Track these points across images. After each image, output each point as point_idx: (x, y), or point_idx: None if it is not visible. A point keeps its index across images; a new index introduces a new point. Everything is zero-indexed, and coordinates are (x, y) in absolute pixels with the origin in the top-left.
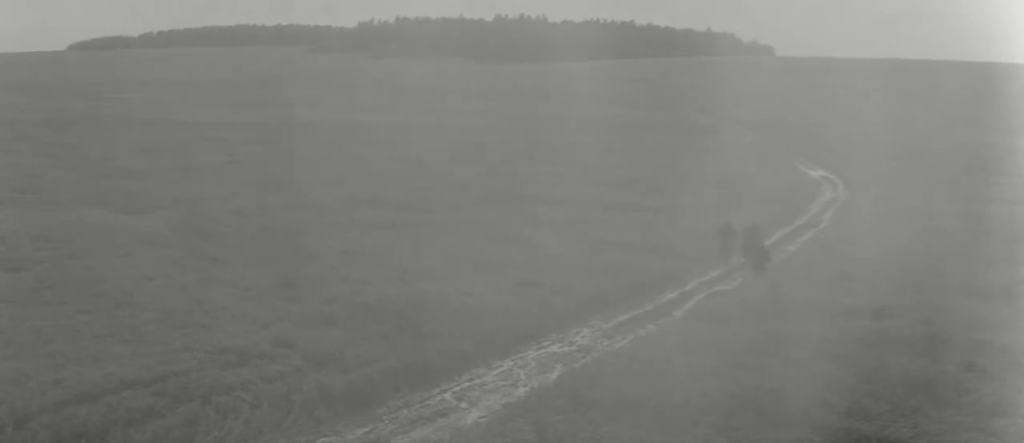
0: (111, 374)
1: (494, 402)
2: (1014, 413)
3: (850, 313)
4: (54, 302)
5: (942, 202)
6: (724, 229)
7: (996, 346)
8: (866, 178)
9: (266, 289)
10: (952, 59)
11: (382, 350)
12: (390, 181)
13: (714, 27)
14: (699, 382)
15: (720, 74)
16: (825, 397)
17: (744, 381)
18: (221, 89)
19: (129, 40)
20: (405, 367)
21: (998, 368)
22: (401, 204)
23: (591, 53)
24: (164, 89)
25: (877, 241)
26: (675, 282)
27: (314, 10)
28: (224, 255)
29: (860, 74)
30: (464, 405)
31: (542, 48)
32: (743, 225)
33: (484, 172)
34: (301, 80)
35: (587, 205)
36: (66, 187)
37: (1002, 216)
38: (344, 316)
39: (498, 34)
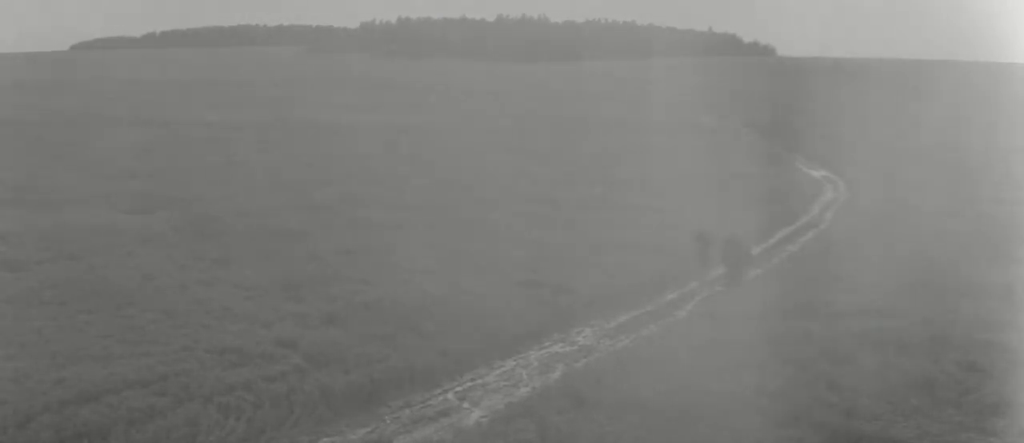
0: (113, 374)
1: (496, 402)
2: (1015, 412)
3: (851, 313)
4: (56, 302)
5: (943, 202)
6: (699, 237)
7: (997, 346)
8: (867, 178)
9: (267, 289)
10: (952, 59)
11: (384, 350)
12: (392, 181)
13: (715, 27)
14: (701, 382)
15: (722, 74)
16: (827, 397)
17: (746, 381)
18: (223, 89)
19: (131, 40)
20: (407, 367)
21: (999, 368)
22: (402, 204)
23: (592, 53)
24: (166, 89)
25: (878, 241)
26: (676, 282)
27: (316, 10)
28: (225, 255)
29: (861, 75)
30: (466, 405)
31: (544, 48)
32: (723, 234)
33: (485, 172)
34: (303, 80)
35: (588, 205)
36: (68, 187)
37: (1002, 216)
38: (345, 316)
39: (500, 34)
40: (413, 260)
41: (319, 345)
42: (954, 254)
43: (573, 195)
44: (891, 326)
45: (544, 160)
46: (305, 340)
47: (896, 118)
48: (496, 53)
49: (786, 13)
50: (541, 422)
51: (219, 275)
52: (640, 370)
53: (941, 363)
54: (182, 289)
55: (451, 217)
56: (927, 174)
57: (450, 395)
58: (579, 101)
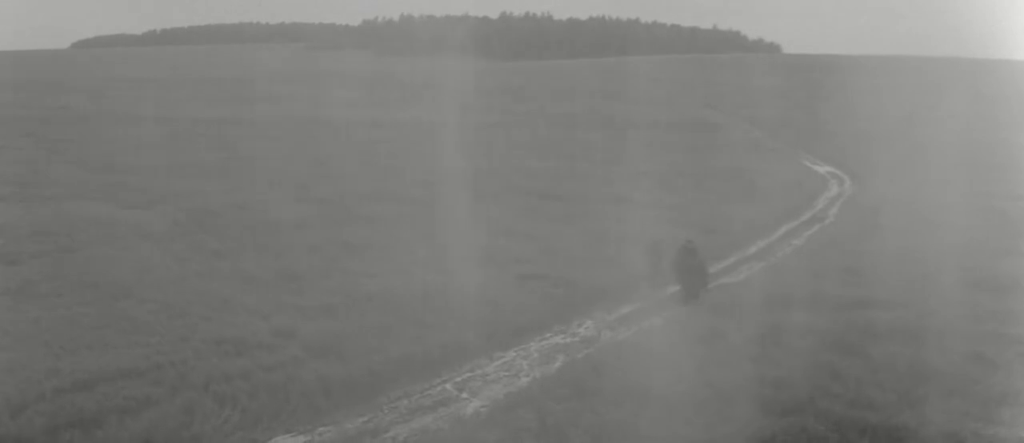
0: (108, 363)
1: (496, 392)
2: (1022, 403)
3: (856, 305)
4: (52, 294)
5: (950, 197)
6: (652, 248)
7: (1003, 337)
8: (873, 174)
9: (267, 281)
10: (957, 56)
11: (383, 341)
12: (393, 176)
13: (720, 25)
14: (703, 372)
15: (727, 71)
16: (830, 387)
17: (748, 371)
18: (224, 86)
19: (132, 38)
20: (406, 357)
21: (1005, 358)
22: (404, 199)
23: (596, 50)
24: (167, 86)
25: (883, 235)
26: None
27: (318, 8)
28: (224, 248)
29: (866, 71)
30: (465, 395)
31: (547, 46)
32: (680, 244)
33: (488, 168)
34: (305, 77)
35: (591, 200)
36: (67, 182)
37: (1008, 211)
38: (345, 307)
39: (503, 32)
40: (413, 253)
41: (318, 336)
42: (962, 248)
43: (575, 190)
44: (896, 317)
45: (546, 155)
46: (304, 331)
47: (903, 115)
48: (499, 50)
49: (791, 10)
50: (541, 411)
51: (217, 267)
52: (641, 360)
53: (948, 354)
54: (180, 281)
55: (452, 211)
56: (934, 170)
57: (449, 385)
58: (582, 98)
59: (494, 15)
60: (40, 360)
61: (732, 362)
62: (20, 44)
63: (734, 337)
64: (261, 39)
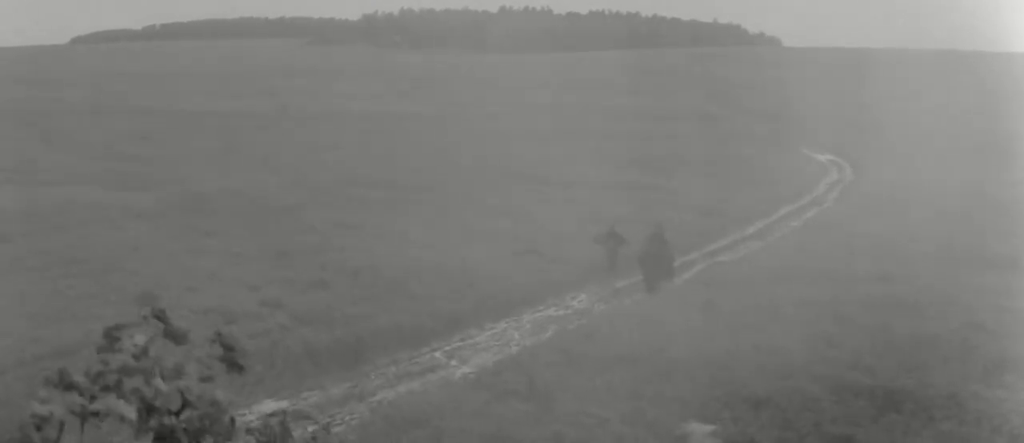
0: (91, 331)
1: (485, 359)
2: (1021, 368)
3: (854, 279)
4: (39, 269)
5: (950, 182)
6: (608, 235)
7: (1002, 308)
8: (873, 161)
9: (257, 257)
10: (958, 49)
11: (372, 310)
12: (391, 164)
13: (720, 18)
14: (697, 339)
15: (728, 64)
16: (828, 354)
17: (743, 339)
18: (223, 80)
19: (132, 33)
20: (395, 327)
21: (1005, 328)
22: (401, 184)
23: (596, 44)
24: (166, 80)
25: (882, 216)
26: (677, 253)
27: (317, 2)
28: (217, 228)
29: (867, 64)
30: (454, 362)
31: (547, 39)
32: (650, 229)
33: (487, 156)
34: (304, 71)
35: (590, 185)
36: (62, 169)
37: (1008, 196)
38: (335, 280)
39: (502, 25)
40: (409, 232)
41: (306, 306)
42: (960, 229)
43: (573, 176)
44: (895, 290)
45: (544, 144)
46: (292, 301)
47: (903, 105)
48: (499, 44)
49: (791, 4)
50: (530, 375)
51: (208, 245)
52: (632, 329)
53: (947, 323)
54: (170, 257)
55: (449, 196)
56: (934, 158)
57: (438, 353)
58: (581, 90)
59: (494, 9)
60: (23, 329)
61: (728, 331)
62: (20, 40)
63: (730, 308)
64: (261, 34)
